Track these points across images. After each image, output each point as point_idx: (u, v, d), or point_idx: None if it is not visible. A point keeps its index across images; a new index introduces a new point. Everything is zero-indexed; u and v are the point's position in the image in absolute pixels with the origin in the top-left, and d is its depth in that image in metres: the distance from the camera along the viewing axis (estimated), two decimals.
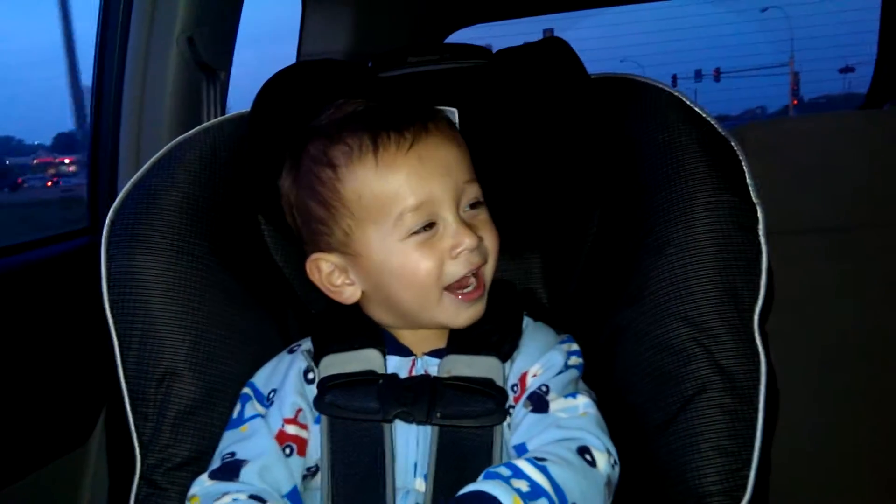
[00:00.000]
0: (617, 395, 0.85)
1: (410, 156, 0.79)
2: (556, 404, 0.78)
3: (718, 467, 0.76)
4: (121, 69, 1.38)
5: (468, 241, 0.79)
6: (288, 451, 0.80)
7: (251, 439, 0.80)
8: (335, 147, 0.81)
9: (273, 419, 0.81)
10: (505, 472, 0.69)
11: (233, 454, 0.79)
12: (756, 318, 0.80)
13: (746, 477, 0.76)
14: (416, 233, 0.79)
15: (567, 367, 0.82)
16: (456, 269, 0.80)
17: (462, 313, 0.82)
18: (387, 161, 0.79)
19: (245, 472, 0.77)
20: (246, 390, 0.85)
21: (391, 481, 0.77)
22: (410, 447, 0.79)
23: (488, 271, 0.84)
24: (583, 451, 0.73)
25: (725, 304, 0.80)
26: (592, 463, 0.73)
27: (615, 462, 0.76)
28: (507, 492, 0.66)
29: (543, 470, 0.69)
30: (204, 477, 0.78)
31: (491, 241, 0.84)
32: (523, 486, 0.67)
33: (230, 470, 0.78)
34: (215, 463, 0.80)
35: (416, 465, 0.79)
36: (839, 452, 1.41)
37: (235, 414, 0.84)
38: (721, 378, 0.78)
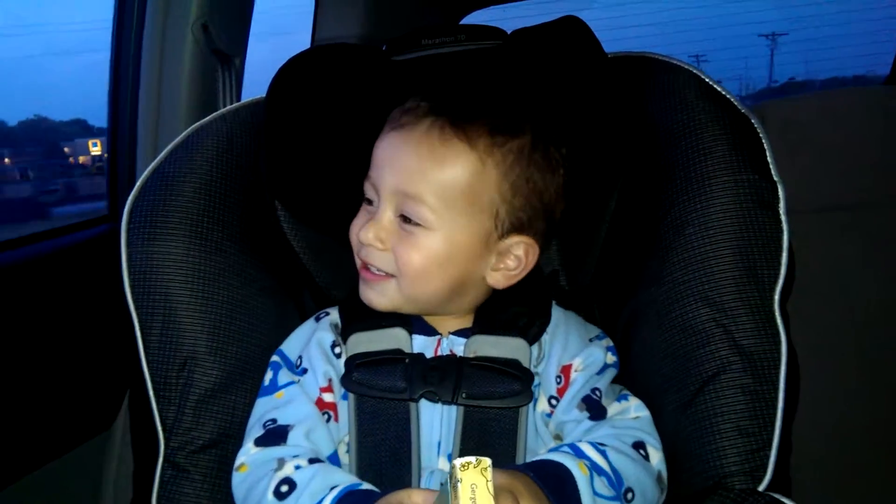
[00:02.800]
0: (637, 375, 0.85)
1: (387, 134, 0.83)
2: (612, 409, 0.80)
3: (739, 447, 0.76)
4: (137, 57, 1.38)
5: (358, 232, 0.83)
6: (326, 417, 0.81)
7: (290, 405, 0.80)
8: None
9: (310, 386, 0.82)
10: (567, 450, 0.72)
11: (274, 420, 0.80)
12: (777, 297, 0.79)
13: (767, 457, 0.75)
14: (366, 201, 0.85)
15: (606, 365, 0.83)
16: (354, 243, 0.85)
17: (364, 291, 0.85)
18: (383, 131, 0.85)
19: (293, 436, 0.77)
20: (275, 358, 0.86)
21: (416, 460, 0.78)
22: (435, 426, 0.80)
23: (400, 288, 0.82)
24: (637, 445, 0.76)
25: (745, 283, 0.79)
26: (646, 457, 0.76)
27: (665, 461, 0.78)
28: (573, 460, 0.69)
29: (603, 453, 0.72)
30: (249, 445, 0.79)
31: (403, 263, 0.80)
32: (585, 463, 0.70)
33: (276, 435, 0.78)
34: (256, 430, 0.80)
35: (440, 445, 0.80)
36: (860, 430, 1.40)
37: (267, 381, 0.85)
38: (741, 358, 0.78)
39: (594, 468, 0.70)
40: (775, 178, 0.82)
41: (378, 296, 0.83)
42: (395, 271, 0.81)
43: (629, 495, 0.72)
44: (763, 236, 0.80)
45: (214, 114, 0.98)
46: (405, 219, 0.80)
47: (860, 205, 1.38)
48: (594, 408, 0.79)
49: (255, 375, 0.87)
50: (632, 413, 0.80)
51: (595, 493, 0.68)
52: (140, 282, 0.86)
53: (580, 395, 0.80)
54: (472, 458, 0.58)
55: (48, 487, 1.20)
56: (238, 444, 0.83)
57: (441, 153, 0.79)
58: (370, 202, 0.84)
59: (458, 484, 0.57)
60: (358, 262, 0.86)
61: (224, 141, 0.94)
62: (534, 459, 0.72)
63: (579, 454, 0.71)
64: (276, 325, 0.92)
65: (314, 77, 0.97)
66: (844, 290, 1.40)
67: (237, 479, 0.78)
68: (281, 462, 0.75)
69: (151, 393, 0.85)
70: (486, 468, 0.57)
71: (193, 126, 0.96)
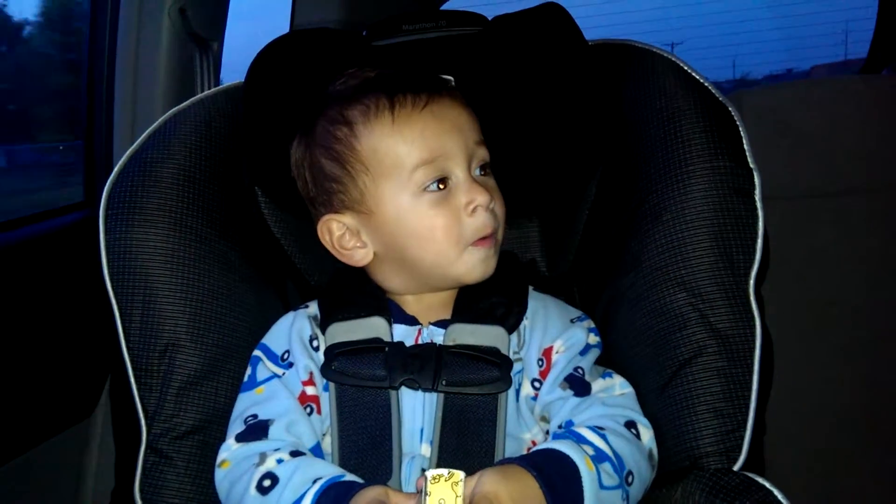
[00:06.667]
0: (615, 358, 0.86)
1: (425, 113, 0.81)
2: (597, 385, 0.80)
3: (714, 429, 0.77)
4: (113, 41, 1.36)
5: (481, 198, 0.81)
6: (309, 410, 0.81)
7: (271, 401, 0.81)
8: (352, 107, 0.83)
9: (292, 381, 0.82)
10: (570, 438, 0.72)
11: (255, 416, 0.80)
12: (751, 282, 0.81)
13: (742, 438, 0.77)
14: (428, 189, 0.81)
15: (589, 346, 0.84)
16: (478, 223, 0.81)
17: (478, 265, 0.83)
18: (403, 116, 0.81)
19: (273, 430, 0.78)
20: (257, 353, 0.86)
21: (398, 447, 0.78)
22: (416, 414, 0.81)
23: (500, 236, 0.86)
24: (629, 424, 0.77)
25: (721, 268, 0.81)
26: (638, 436, 0.76)
27: (654, 438, 0.78)
28: (578, 451, 0.69)
29: (604, 437, 0.72)
30: (230, 441, 0.79)
31: (499, 207, 0.85)
32: (588, 450, 0.70)
33: (257, 430, 0.78)
34: (237, 426, 0.80)
35: (422, 431, 0.80)
36: (835, 414, 1.43)
37: (247, 377, 0.85)
38: (716, 342, 0.79)
39: (598, 455, 0.70)
40: (751, 166, 0.83)
41: (493, 261, 0.84)
42: (497, 220, 0.83)
43: (630, 478, 0.72)
44: (739, 223, 0.82)
45: (192, 99, 0.97)
46: (482, 169, 0.84)
47: (837, 192, 1.40)
48: (577, 384, 0.80)
49: (237, 362, 0.87)
50: (617, 390, 0.81)
51: (601, 487, 0.68)
52: (119, 268, 0.86)
53: (563, 376, 0.81)
54: (444, 471, 0.59)
55: (28, 476, 1.20)
56: (220, 430, 0.83)
57: (467, 105, 0.86)
58: (441, 184, 0.81)
59: (427, 497, 0.58)
60: (467, 239, 0.81)
61: (202, 126, 0.94)
62: (539, 448, 0.72)
63: (581, 440, 0.72)
64: (259, 313, 0.92)
65: (294, 61, 0.96)
66: (821, 276, 1.42)
67: (220, 475, 0.78)
68: (262, 456, 0.75)
69: (132, 379, 0.85)
70: (457, 482, 0.58)
71: (171, 111, 0.95)
